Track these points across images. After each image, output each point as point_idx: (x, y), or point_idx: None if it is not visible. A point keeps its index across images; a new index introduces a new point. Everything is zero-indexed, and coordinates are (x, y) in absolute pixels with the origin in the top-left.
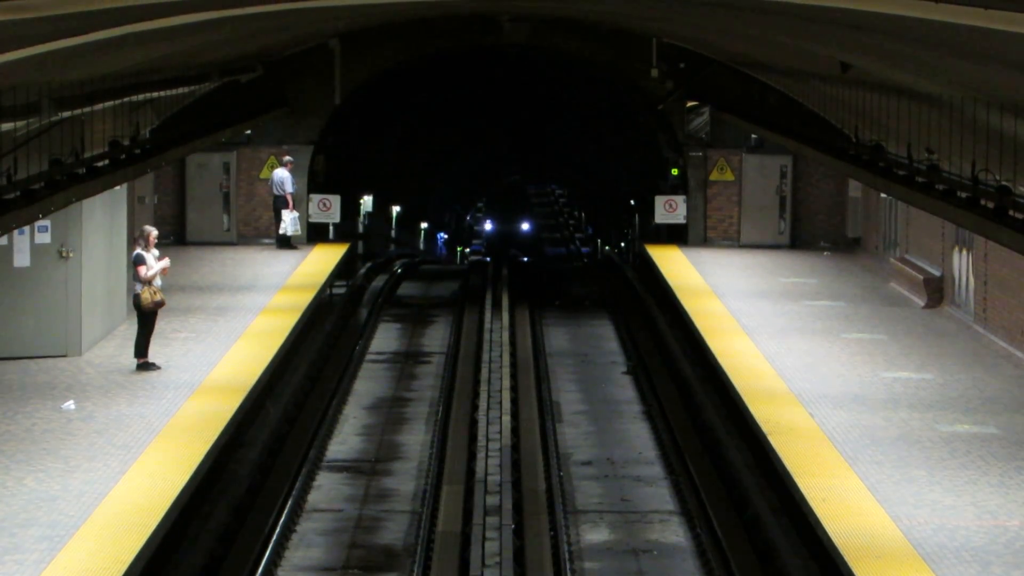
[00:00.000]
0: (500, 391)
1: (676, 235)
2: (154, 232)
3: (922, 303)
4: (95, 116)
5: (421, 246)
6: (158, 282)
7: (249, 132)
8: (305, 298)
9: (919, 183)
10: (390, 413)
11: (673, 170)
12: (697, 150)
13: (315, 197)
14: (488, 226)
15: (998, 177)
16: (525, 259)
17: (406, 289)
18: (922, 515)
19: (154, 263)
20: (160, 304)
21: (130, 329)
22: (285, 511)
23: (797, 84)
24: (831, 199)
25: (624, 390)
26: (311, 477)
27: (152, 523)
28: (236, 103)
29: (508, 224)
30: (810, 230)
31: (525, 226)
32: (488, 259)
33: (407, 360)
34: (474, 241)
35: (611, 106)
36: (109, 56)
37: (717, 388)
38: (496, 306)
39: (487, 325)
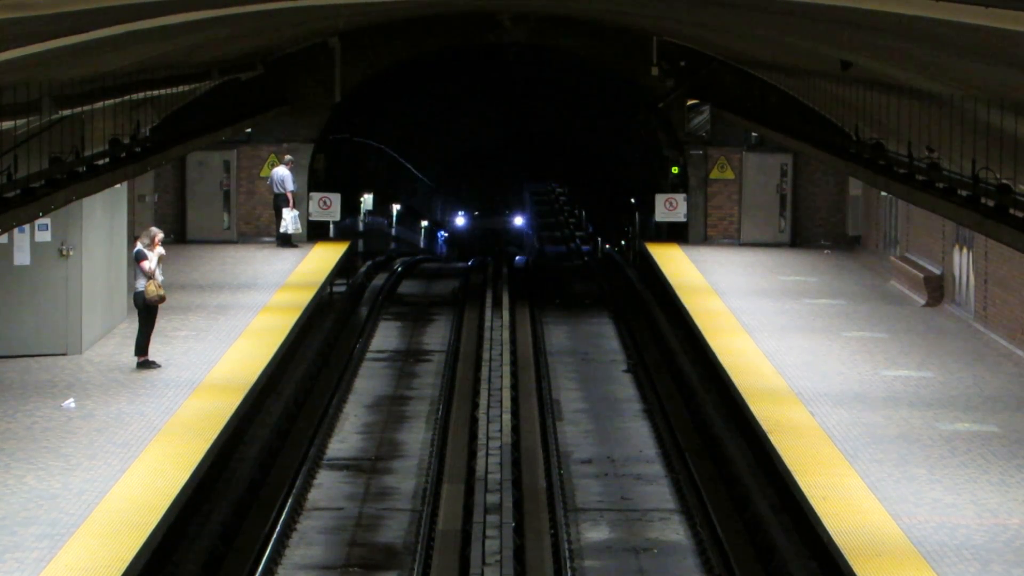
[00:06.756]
0: (500, 389)
1: (676, 233)
2: (160, 235)
3: (923, 301)
4: (95, 114)
5: (422, 244)
6: (160, 276)
7: (249, 130)
8: (305, 296)
9: (919, 181)
10: (390, 411)
11: (673, 168)
12: (697, 148)
13: (315, 195)
14: (461, 220)
15: (998, 175)
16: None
17: (406, 287)
18: (922, 513)
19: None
20: (161, 299)
21: (130, 327)
22: (285, 509)
23: (798, 82)
24: (831, 197)
25: (624, 388)
26: (311, 475)
27: (152, 521)
28: (236, 101)
29: (493, 219)
30: (810, 228)
31: (518, 220)
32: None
33: (407, 358)
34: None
35: (611, 104)
36: (109, 54)
37: (717, 386)
38: (496, 304)
39: (487, 323)
